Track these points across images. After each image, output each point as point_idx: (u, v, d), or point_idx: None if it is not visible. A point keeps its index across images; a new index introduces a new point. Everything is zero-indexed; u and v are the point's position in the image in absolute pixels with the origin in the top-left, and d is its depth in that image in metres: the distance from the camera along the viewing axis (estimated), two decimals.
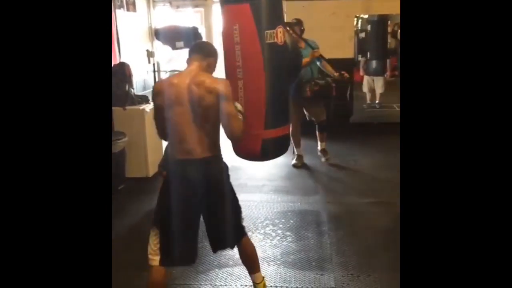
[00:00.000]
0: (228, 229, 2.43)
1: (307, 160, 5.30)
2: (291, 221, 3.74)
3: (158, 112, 2.38)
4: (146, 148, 4.77)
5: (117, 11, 5.42)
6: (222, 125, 2.32)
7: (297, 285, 2.81)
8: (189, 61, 2.41)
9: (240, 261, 2.64)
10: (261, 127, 2.84)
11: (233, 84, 2.78)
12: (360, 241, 3.36)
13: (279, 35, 2.83)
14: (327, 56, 5.14)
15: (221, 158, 2.40)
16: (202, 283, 2.88)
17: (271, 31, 2.77)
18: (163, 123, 2.36)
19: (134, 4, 5.94)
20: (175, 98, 2.27)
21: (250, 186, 4.63)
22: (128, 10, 5.83)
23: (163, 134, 2.44)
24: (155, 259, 2.33)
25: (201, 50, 2.42)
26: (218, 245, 2.50)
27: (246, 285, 2.83)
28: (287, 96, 3.07)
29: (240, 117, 2.36)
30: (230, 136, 2.34)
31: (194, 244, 2.40)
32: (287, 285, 2.82)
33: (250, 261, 2.57)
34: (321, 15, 6.34)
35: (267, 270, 2.96)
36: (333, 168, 5.12)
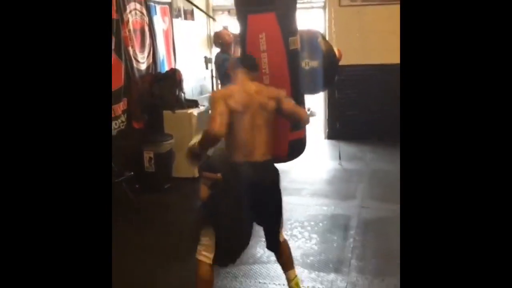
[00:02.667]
0: (277, 230, 2.59)
1: (353, 164, 5.27)
2: (320, 224, 3.77)
3: (228, 112, 2.36)
4: None
5: (174, 20, 5.76)
6: (291, 120, 2.66)
7: (308, 285, 2.85)
8: (237, 72, 2.56)
9: (260, 259, 2.83)
10: (288, 130, 2.94)
11: None
12: (383, 247, 3.32)
13: (298, 41, 2.92)
14: (380, 61, 5.09)
15: (273, 162, 2.56)
16: (224, 279, 3.00)
17: (294, 37, 2.87)
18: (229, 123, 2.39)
19: (192, 13, 6.25)
20: (246, 105, 2.40)
21: (289, 189, 4.69)
22: (186, 19, 6.15)
23: (225, 132, 2.38)
24: (208, 256, 2.40)
25: (248, 65, 2.58)
26: (269, 246, 2.65)
27: (262, 282, 2.92)
28: (304, 101, 3.14)
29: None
30: (303, 123, 2.72)
31: (246, 245, 2.53)
32: (300, 285, 2.87)
33: (285, 259, 2.66)
34: (375, 20, 6.28)
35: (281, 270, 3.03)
36: (378, 173, 5.05)
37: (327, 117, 6.84)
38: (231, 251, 2.47)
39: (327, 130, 6.86)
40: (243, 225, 2.44)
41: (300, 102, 2.97)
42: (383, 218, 3.78)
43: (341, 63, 5.70)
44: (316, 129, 6.62)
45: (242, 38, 2.92)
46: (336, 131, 6.57)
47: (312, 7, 6.79)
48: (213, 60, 6.42)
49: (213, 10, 6.96)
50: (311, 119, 2.90)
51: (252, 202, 2.39)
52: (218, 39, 4.97)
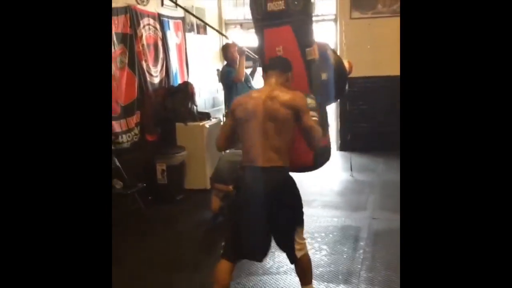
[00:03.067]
0: (285, 242, 2.53)
1: (364, 176, 5.28)
2: (331, 235, 3.78)
3: (231, 124, 2.57)
4: (205, 162, 5.06)
5: (187, 34, 5.86)
6: (305, 138, 2.47)
7: None
8: (265, 77, 2.64)
9: (270, 270, 2.88)
10: None
11: None
12: (393, 258, 3.31)
13: (316, 51, 2.97)
14: (391, 73, 5.11)
15: (287, 170, 2.49)
16: None
17: (310, 48, 2.92)
18: (232, 135, 2.59)
19: (205, 27, 6.35)
20: (251, 112, 2.46)
21: None
22: (199, 33, 6.26)
23: (225, 145, 2.70)
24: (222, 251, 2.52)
25: (278, 66, 2.64)
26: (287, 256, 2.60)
27: None
28: (326, 110, 3.17)
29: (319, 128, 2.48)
30: (313, 146, 2.51)
31: (258, 252, 2.53)
32: None
33: (300, 273, 2.62)
34: (386, 32, 6.31)
35: (291, 280, 3.05)
36: (390, 184, 5.04)
37: (339, 129, 6.87)
38: (235, 246, 2.48)
39: (339, 142, 6.88)
40: (246, 223, 2.44)
41: (322, 112, 3.00)
42: (394, 230, 3.76)
43: (352, 75, 5.73)
44: None
45: (261, 52, 2.99)
46: (348, 142, 6.58)
47: (324, 20, 6.85)
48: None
49: (225, 24, 7.07)
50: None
51: (259, 207, 2.39)
52: (224, 53, 5.06)
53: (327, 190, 5.02)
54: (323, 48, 3.78)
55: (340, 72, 3.92)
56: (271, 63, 2.69)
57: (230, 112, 2.63)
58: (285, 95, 2.44)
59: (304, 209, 4.38)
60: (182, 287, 3.10)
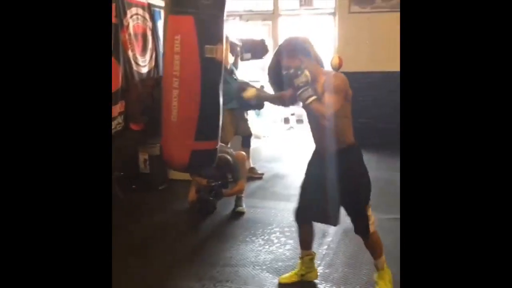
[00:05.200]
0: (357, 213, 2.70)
1: None
2: None
3: None
4: None
5: None
6: None
7: None
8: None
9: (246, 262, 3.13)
10: (191, 138, 2.92)
11: (168, 93, 2.92)
12: (354, 255, 3.28)
13: (219, 52, 2.90)
14: (394, 68, 5.04)
15: (349, 148, 2.66)
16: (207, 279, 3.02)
17: (211, 46, 2.85)
18: None
19: None
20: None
21: (280, 195, 4.71)
22: None
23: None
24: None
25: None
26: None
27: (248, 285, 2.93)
28: (218, 113, 3.10)
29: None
30: None
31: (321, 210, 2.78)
32: None
33: (369, 248, 2.78)
34: (385, 27, 6.21)
35: (246, 273, 3.04)
36: (379, 182, 4.95)
37: None
38: (301, 210, 2.89)
39: None
40: (312, 194, 2.76)
41: (210, 112, 3.00)
42: None
43: (351, 69, 5.72)
44: None
45: (164, 37, 2.96)
46: None
47: (322, 14, 6.77)
48: None
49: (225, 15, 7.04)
50: None
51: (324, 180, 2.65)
52: None
53: None
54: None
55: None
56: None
57: None
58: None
59: (282, 203, 4.42)
60: (154, 271, 3.10)
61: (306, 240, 2.94)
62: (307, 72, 2.44)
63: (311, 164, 2.80)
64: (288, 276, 2.93)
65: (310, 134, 2.75)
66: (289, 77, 2.49)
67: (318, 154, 2.74)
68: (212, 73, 2.91)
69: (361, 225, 2.69)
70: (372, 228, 2.68)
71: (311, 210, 2.81)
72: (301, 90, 2.44)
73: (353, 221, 2.73)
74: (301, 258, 2.93)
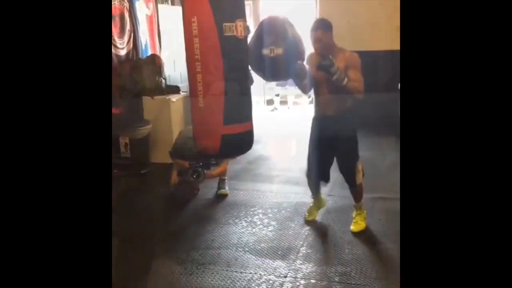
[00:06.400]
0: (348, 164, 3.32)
1: None
2: (283, 211, 3.75)
3: None
4: (172, 136, 5.01)
5: (160, 6, 5.75)
6: None
7: (251, 271, 2.84)
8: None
9: (229, 244, 3.22)
10: (220, 123, 2.84)
11: (193, 79, 2.85)
12: (335, 235, 3.29)
13: (239, 29, 2.80)
14: (373, 48, 5.07)
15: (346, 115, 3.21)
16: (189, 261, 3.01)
17: (230, 23, 2.74)
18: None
19: None
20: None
21: (264, 176, 4.70)
22: (173, 4, 6.14)
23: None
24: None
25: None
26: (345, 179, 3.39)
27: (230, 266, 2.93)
28: (247, 93, 3.00)
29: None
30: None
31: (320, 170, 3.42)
32: (241, 270, 2.86)
33: (359, 195, 3.40)
34: (365, 7, 6.16)
35: (229, 255, 3.04)
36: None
37: None
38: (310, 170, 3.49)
39: None
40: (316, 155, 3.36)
41: (237, 90, 2.88)
42: (345, 207, 3.72)
43: None
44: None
45: (183, 22, 2.87)
46: None
47: None
48: None
49: None
50: None
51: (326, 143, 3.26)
52: None
53: (295, 167, 4.96)
54: (279, 23, 3.65)
55: (297, 47, 3.81)
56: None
57: None
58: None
59: (265, 185, 4.41)
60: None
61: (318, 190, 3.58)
62: (331, 58, 2.92)
63: (315, 129, 3.34)
64: (310, 214, 3.56)
65: (316, 101, 3.34)
66: (323, 68, 2.94)
67: (323, 119, 3.27)
68: (234, 52, 2.79)
69: (352, 177, 3.29)
70: (359, 180, 3.31)
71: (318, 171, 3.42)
72: (335, 76, 2.92)
73: (346, 174, 3.32)
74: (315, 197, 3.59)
